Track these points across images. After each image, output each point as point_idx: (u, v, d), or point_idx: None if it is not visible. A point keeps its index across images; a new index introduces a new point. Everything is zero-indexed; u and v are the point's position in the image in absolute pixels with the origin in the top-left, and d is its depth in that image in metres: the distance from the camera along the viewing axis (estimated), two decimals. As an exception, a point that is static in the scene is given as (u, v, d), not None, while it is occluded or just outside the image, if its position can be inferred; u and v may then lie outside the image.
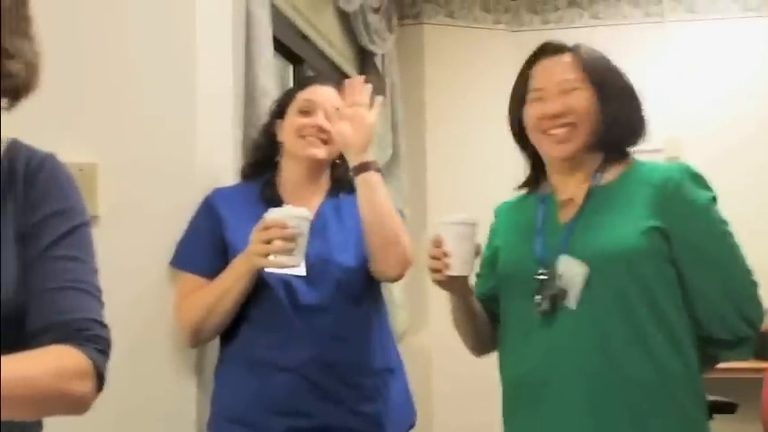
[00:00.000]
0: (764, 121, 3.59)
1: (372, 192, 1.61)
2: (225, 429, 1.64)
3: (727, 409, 2.60)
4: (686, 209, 1.39)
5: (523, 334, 1.43)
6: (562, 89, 1.44)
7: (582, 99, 1.43)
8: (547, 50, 1.49)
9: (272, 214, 1.50)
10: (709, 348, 1.42)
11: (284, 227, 1.46)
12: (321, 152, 1.70)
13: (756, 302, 1.39)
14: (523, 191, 1.58)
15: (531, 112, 1.47)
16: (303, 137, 1.69)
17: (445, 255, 1.42)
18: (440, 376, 3.73)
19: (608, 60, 1.49)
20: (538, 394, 1.39)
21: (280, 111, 1.76)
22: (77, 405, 0.93)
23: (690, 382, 1.38)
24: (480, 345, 1.58)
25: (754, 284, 1.40)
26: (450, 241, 1.43)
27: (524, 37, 3.80)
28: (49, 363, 0.90)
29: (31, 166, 1.02)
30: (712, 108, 3.64)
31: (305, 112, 1.71)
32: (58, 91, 1.68)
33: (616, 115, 1.44)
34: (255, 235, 1.52)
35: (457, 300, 1.52)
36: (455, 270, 1.42)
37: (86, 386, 0.93)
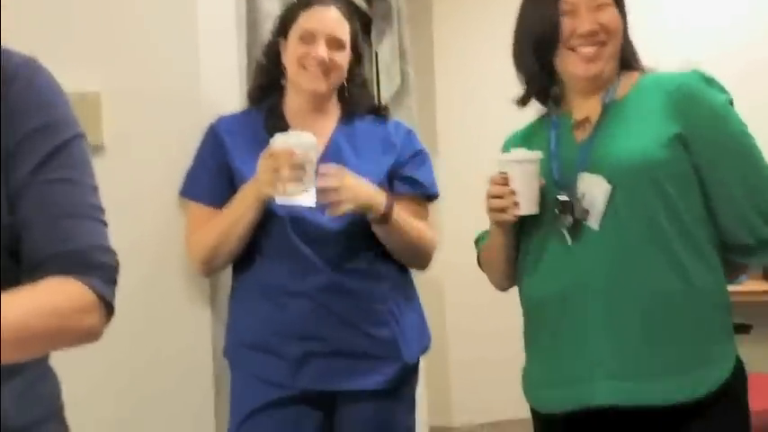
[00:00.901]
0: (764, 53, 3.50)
1: (398, 233, 1.61)
2: (242, 355, 1.65)
3: (742, 329, 2.60)
4: (704, 111, 1.35)
5: (547, 256, 1.41)
6: (594, 4, 1.39)
7: (613, 16, 1.40)
8: None
9: (278, 141, 1.47)
10: (733, 255, 1.39)
11: (291, 154, 1.43)
12: (323, 85, 1.64)
13: None
14: (521, 116, 1.54)
15: (564, 27, 1.40)
16: (304, 67, 1.63)
17: (512, 193, 1.38)
18: (453, 308, 3.75)
19: None
20: (559, 314, 1.38)
21: (283, 29, 1.69)
22: (84, 337, 0.89)
23: (717, 293, 1.36)
24: (509, 279, 1.55)
25: None
26: (517, 179, 1.38)
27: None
28: (44, 301, 0.84)
29: (4, 76, 0.89)
30: (711, 40, 3.54)
31: (305, 40, 1.63)
32: (58, 20, 1.66)
33: (628, 36, 1.42)
34: (262, 163, 1.49)
35: (505, 239, 1.47)
36: (524, 209, 1.38)
37: (90, 319, 0.88)
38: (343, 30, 1.66)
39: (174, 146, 1.68)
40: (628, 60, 1.45)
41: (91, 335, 0.90)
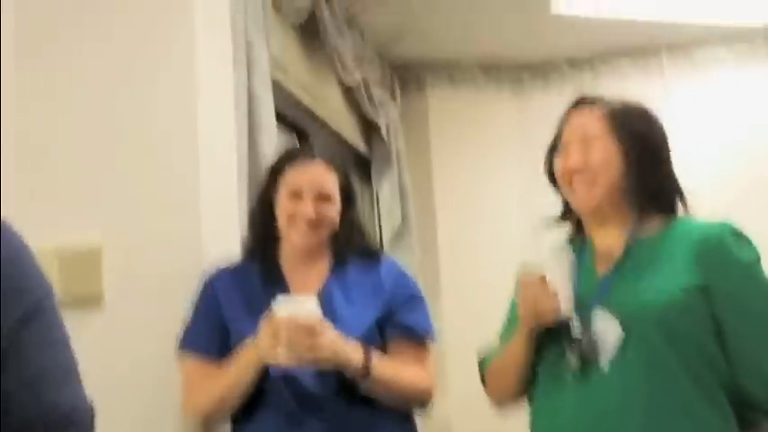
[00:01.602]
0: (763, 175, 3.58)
1: (383, 386, 1.58)
2: None
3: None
4: (728, 266, 1.35)
5: (555, 394, 1.39)
6: (584, 142, 1.43)
7: (601, 154, 1.41)
8: (580, 103, 1.49)
9: (281, 308, 1.48)
10: (749, 414, 1.35)
11: (293, 323, 1.45)
12: (313, 240, 1.67)
13: None
14: (562, 230, 1.55)
15: (557, 165, 1.47)
16: (294, 223, 1.66)
17: (555, 294, 1.36)
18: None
19: (644, 113, 1.47)
20: None
21: (273, 181, 1.71)
22: None
23: None
24: (514, 394, 1.50)
25: None
26: (557, 279, 1.36)
27: (527, 101, 3.83)
28: None
29: None
30: (714, 161, 3.63)
31: (293, 197, 1.66)
32: (61, 173, 1.71)
33: (644, 172, 1.41)
34: (263, 331, 1.50)
35: (527, 348, 1.43)
36: (565, 310, 1.36)
37: None
38: (329, 183, 1.69)
39: (177, 297, 1.68)
40: (660, 201, 1.43)
41: None
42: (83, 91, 1.76)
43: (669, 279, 1.34)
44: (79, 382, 0.96)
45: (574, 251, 1.48)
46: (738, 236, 1.38)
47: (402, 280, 1.73)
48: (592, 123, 1.43)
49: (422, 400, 1.67)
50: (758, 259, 1.37)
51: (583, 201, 1.43)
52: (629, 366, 1.32)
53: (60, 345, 0.95)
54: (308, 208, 1.65)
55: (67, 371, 0.94)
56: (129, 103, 1.76)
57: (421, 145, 3.85)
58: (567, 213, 1.52)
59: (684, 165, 3.75)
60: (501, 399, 1.54)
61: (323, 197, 1.67)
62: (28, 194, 1.65)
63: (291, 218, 1.66)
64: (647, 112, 1.48)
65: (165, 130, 1.75)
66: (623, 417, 1.30)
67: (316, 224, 1.66)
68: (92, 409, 0.96)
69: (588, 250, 1.46)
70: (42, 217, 1.64)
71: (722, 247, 1.35)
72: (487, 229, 3.76)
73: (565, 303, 1.35)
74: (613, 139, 1.42)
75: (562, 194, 1.50)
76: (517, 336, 1.45)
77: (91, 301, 1.65)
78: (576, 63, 3.82)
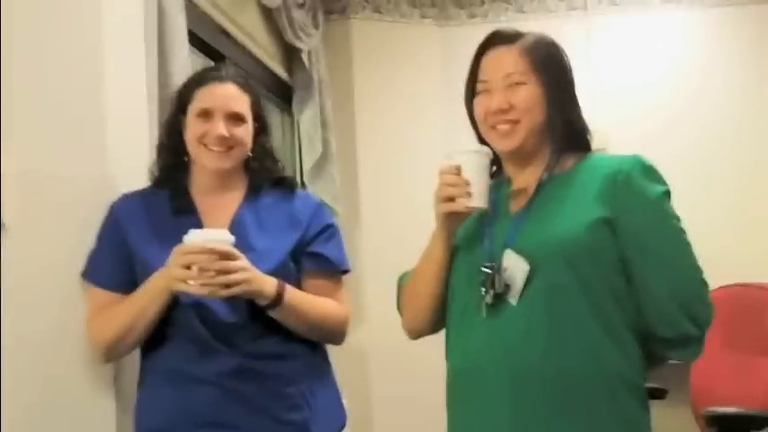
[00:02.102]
0: (682, 109, 3.68)
1: (295, 316, 1.58)
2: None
3: (657, 395, 2.65)
4: (635, 201, 1.36)
5: (467, 324, 1.41)
6: (507, 83, 1.42)
7: (525, 94, 1.41)
8: (496, 39, 1.46)
9: (194, 238, 1.45)
10: (656, 347, 1.39)
11: (206, 252, 1.43)
12: (225, 162, 1.62)
13: (705, 302, 1.36)
14: None
15: (477, 106, 1.46)
16: (205, 145, 1.60)
17: (467, 183, 1.36)
18: (378, 379, 3.71)
19: (558, 51, 1.47)
20: (474, 386, 1.38)
21: (181, 107, 1.66)
22: None
23: (628, 378, 1.35)
24: (427, 320, 1.51)
25: (703, 284, 1.37)
26: (472, 171, 1.37)
27: (451, 32, 3.80)
28: None
29: None
30: (635, 98, 3.71)
31: (203, 118, 1.61)
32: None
33: (561, 111, 1.42)
34: (174, 258, 1.47)
35: (444, 245, 1.44)
36: (476, 201, 1.37)
37: None
38: (241, 103, 1.64)
39: (81, 227, 1.62)
40: (575, 140, 1.45)
41: None
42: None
43: (576, 214, 1.36)
44: None
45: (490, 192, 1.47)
46: (647, 169, 1.39)
47: (317, 211, 1.71)
48: (513, 63, 1.42)
49: (335, 331, 1.68)
50: (667, 193, 1.39)
51: (506, 142, 1.43)
52: (534, 301, 1.34)
53: None
54: (218, 127, 1.59)
55: None
56: (30, 24, 1.64)
57: (343, 73, 3.79)
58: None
59: (604, 100, 3.86)
60: (414, 324, 1.54)
61: (234, 117, 1.62)
62: None
63: (201, 139, 1.61)
64: (559, 48, 1.48)
65: (68, 50, 1.65)
66: (526, 349, 1.33)
67: (227, 145, 1.61)
68: None
69: (504, 191, 1.47)
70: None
71: (630, 180, 1.37)
72: (408, 159, 3.76)
73: (479, 194, 1.37)
74: (535, 79, 1.42)
75: (480, 134, 1.49)
76: (433, 240, 1.46)
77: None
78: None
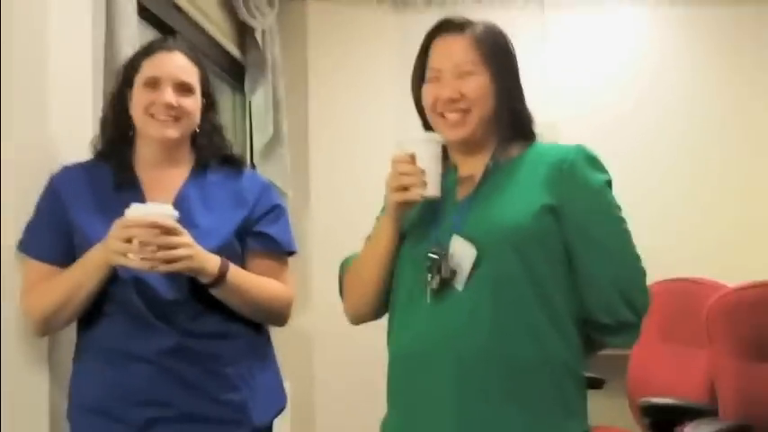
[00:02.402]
0: (633, 107, 3.74)
1: (238, 295, 1.56)
2: (83, 420, 1.56)
3: (595, 384, 2.70)
4: (579, 189, 1.38)
5: (411, 310, 1.42)
6: (458, 72, 1.42)
7: (476, 84, 1.42)
8: (446, 27, 1.46)
9: (135, 211, 1.43)
10: (595, 333, 1.42)
11: (147, 226, 1.40)
12: (173, 131, 1.59)
13: (643, 290, 1.39)
14: None
15: (426, 94, 1.46)
16: (152, 115, 1.57)
17: (422, 172, 1.36)
18: (321, 364, 3.70)
19: (506, 41, 1.48)
20: (417, 372, 1.38)
21: (127, 79, 1.62)
22: None
23: (571, 366, 1.38)
24: (369, 304, 1.50)
25: (642, 272, 1.40)
26: (426, 160, 1.36)
27: (407, 18, 3.78)
28: None
29: None
30: (587, 93, 3.75)
31: (151, 86, 1.58)
32: None
33: (509, 100, 1.44)
34: (115, 231, 1.44)
35: (392, 232, 1.44)
36: (430, 190, 1.37)
37: None
38: (190, 74, 1.61)
39: (19, 200, 1.58)
40: (521, 127, 1.46)
41: None
42: None
43: (522, 200, 1.38)
44: None
45: None
46: (591, 159, 1.42)
47: (264, 191, 1.69)
48: (463, 52, 1.43)
49: (279, 312, 1.67)
50: (609, 183, 1.42)
51: (456, 132, 1.43)
52: (480, 286, 1.35)
53: None
54: (166, 94, 1.57)
55: None
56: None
57: (297, 55, 3.75)
58: None
59: (557, 94, 3.88)
60: (357, 310, 1.53)
61: (182, 87, 1.60)
62: None
63: (148, 108, 1.58)
64: (506, 37, 1.49)
65: (11, 16, 1.59)
66: (471, 334, 1.34)
67: (175, 114, 1.58)
68: None
69: (451, 178, 1.47)
70: None
71: (574, 169, 1.39)
72: (360, 144, 3.74)
73: (433, 183, 1.38)
74: (485, 69, 1.43)
75: (428, 122, 1.49)
76: (380, 226, 1.46)
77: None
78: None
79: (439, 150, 1.40)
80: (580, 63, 3.78)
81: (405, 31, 3.70)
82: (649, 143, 3.71)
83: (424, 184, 1.37)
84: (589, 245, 1.38)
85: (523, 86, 1.49)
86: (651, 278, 1.44)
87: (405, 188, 1.38)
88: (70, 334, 1.64)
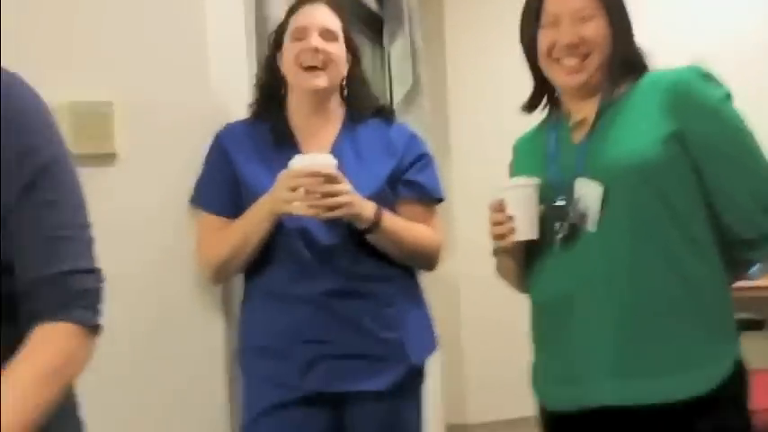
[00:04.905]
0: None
1: (392, 240, 1.63)
2: (252, 359, 1.69)
3: (755, 326, 2.61)
4: (699, 108, 1.36)
5: (550, 259, 1.43)
6: (578, 17, 1.41)
7: (597, 28, 1.41)
8: None
9: (297, 163, 1.51)
10: (739, 252, 1.40)
11: (311, 175, 1.49)
12: (321, 81, 1.65)
13: None
14: (535, 116, 1.56)
15: (543, 39, 1.44)
16: (300, 65, 1.65)
17: (510, 219, 1.40)
18: (468, 307, 3.77)
19: None
20: (563, 315, 1.40)
21: (277, 42, 1.71)
22: (82, 370, 0.99)
23: (717, 291, 1.38)
24: (526, 287, 1.56)
25: None
26: (513, 205, 1.40)
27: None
28: (44, 367, 0.94)
29: None
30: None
31: (298, 37, 1.66)
32: (71, 31, 1.70)
33: (624, 42, 1.42)
34: (281, 182, 1.54)
35: (513, 260, 1.50)
36: (521, 234, 1.41)
37: (83, 354, 0.99)
38: (333, 22, 1.68)
39: (186, 155, 1.71)
40: (632, 65, 1.45)
41: (85, 364, 1.00)
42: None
43: (643, 131, 1.36)
44: (85, 243, 1.00)
45: (549, 129, 1.50)
46: (706, 76, 1.39)
47: (413, 141, 1.75)
48: None
49: (429, 257, 1.73)
50: (728, 96, 1.38)
51: (573, 77, 1.42)
52: (612, 225, 1.36)
53: (64, 207, 0.98)
54: (312, 39, 1.64)
55: (68, 233, 0.98)
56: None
57: (434, 4, 3.75)
58: (540, 91, 1.51)
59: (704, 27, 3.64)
60: (515, 288, 1.58)
61: (327, 34, 1.66)
62: (41, 52, 1.64)
63: (298, 57, 1.65)
64: None
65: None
66: (611, 274, 1.35)
67: (324, 61, 1.64)
68: (97, 275, 1.01)
69: (563, 126, 1.47)
70: (54, 74, 1.64)
71: (692, 90, 1.36)
72: (498, 94, 3.71)
73: (526, 226, 1.40)
74: (603, 12, 1.41)
75: (535, 67, 1.48)
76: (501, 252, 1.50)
77: (103, 157, 1.68)
78: None
79: (530, 192, 1.40)
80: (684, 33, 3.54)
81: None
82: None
83: (513, 231, 1.40)
84: (719, 163, 1.36)
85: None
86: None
87: (500, 236, 1.41)
88: (240, 281, 1.76)
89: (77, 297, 0.97)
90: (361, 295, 1.63)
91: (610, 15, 1.42)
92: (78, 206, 1.01)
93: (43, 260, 0.96)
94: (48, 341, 0.95)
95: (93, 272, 1.00)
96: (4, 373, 0.92)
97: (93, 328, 0.99)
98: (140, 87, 1.71)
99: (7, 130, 0.95)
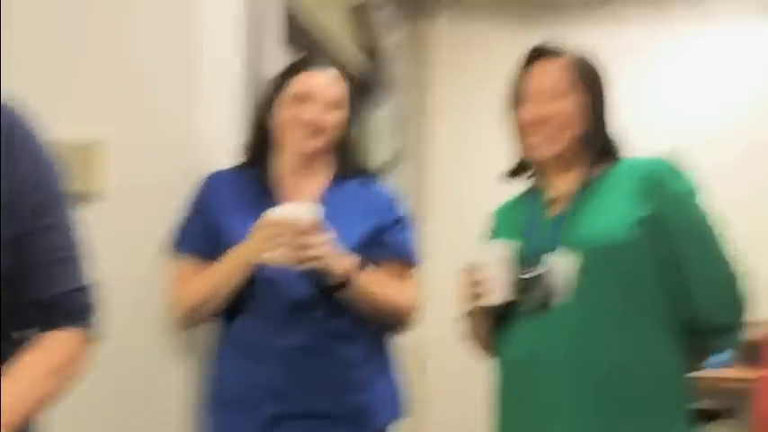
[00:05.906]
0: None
1: (363, 300, 1.63)
2: (215, 411, 1.66)
3: (712, 415, 2.61)
4: (672, 197, 1.43)
5: (519, 324, 1.48)
6: (548, 95, 1.47)
7: (566, 106, 1.47)
8: (542, 52, 1.52)
9: (280, 211, 1.52)
10: (701, 338, 1.45)
11: (290, 226, 1.50)
12: (309, 146, 1.67)
13: (740, 292, 1.43)
14: (516, 186, 1.61)
15: (520, 113, 1.51)
16: (292, 129, 1.66)
17: (486, 280, 1.44)
18: (436, 374, 3.74)
19: (598, 66, 1.53)
20: (525, 380, 1.45)
21: (276, 91, 1.70)
22: (81, 370, 1.12)
23: (674, 372, 1.43)
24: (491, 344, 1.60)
25: (739, 274, 1.43)
26: (492, 266, 1.44)
27: (533, 37, 3.79)
28: (48, 366, 1.06)
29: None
30: (717, 116, 3.63)
31: (298, 101, 1.66)
32: (64, 70, 1.71)
33: (598, 122, 1.49)
34: (257, 230, 1.54)
35: (486, 322, 1.54)
36: (498, 296, 1.44)
37: (80, 360, 1.11)
38: (339, 91, 1.69)
39: (166, 199, 1.72)
40: (608, 150, 1.51)
41: (84, 366, 1.12)
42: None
43: (617, 213, 1.42)
44: (76, 263, 1.11)
45: (528, 201, 1.56)
46: (675, 171, 1.46)
47: (393, 202, 1.76)
48: (557, 74, 1.48)
49: (402, 317, 1.73)
50: (695, 191, 1.46)
51: (546, 148, 1.47)
52: (580, 299, 1.41)
53: (71, 231, 1.10)
54: (312, 110, 1.65)
55: (63, 255, 1.09)
56: (133, 4, 1.75)
57: (420, 73, 3.83)
58: (521, 167, 1.58)
59: (686, 120, 3.73)
60: (485, 352, 1.61)
61: (331, 104, 1.67)
62: (37, 90, 1.65)
63: (291, 121, 1.66)
64: (598, 63, 1.53)
65: (168, 25, 1.76)
66: (575, 345, 1.40)
67: (316, 130, 1.66)
68: (88, 293, 1.13)
69: (539, 200, 1.53)
70: (48, 112, 1.64)
71: (664, 179, 1.44)
72: (479, 162, 3.77)
73: (501, 288, 1.44)
74: (578, 90, 1.47)
75: (517, 146, 1.54)
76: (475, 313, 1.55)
77: (93, 195, 1.70)
78: (590, 3, 3.78)
79: (506, 256, 1.45)
80: (711, 84, 3.66)
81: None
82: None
83: (487, 293, 1.44)
84: (684, 249, 1.41)
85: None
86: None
87: (474, 297, 1.46)
88: (205, 333, 1.75)
89: (78, 311, 1.11)
90: (328, 354, 1.62)
91: (584, 95, 1.48)
92: (70, 228, 1.11)
93: (44, 284, 1.08)
94: (55, 344, 1.08)
95: (90, 289, 1.13)
96: (14, 366, 1.02)
97: (93, 336, 1.13)
98: (128, 128, 1.72)
99: (23, 157, 1.05)
